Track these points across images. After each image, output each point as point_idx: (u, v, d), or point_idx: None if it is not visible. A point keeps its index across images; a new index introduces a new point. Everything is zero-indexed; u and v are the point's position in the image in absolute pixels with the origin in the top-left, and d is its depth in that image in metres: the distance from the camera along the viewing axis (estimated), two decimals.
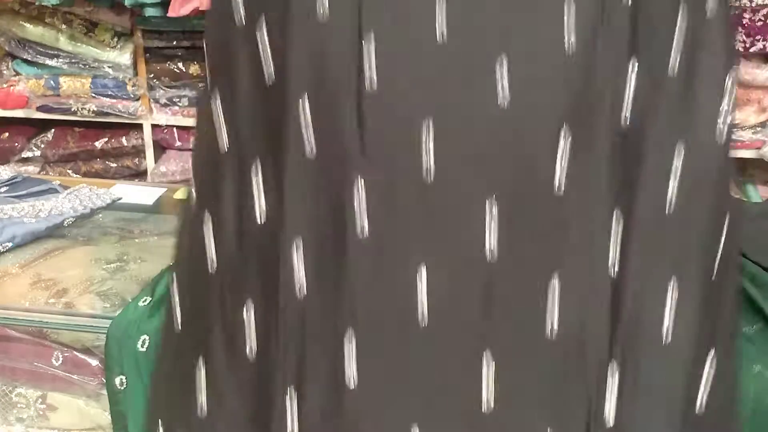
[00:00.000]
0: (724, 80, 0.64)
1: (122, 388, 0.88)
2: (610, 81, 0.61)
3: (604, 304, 0.64)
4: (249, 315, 0.68)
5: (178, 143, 2.45)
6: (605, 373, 0.64)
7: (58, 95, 2.38)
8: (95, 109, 2.39)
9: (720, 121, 0.64)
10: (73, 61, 2.33)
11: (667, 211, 0.64)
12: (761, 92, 2.08)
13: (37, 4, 2.15)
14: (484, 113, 0.59)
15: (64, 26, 2.28)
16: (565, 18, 0.58)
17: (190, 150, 2.44)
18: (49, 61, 2.34)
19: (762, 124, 2.14)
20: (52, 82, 2.35)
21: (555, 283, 0.63)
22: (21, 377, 1.02)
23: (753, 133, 2.15)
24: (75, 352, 0.99)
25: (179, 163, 2.44)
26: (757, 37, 1.86)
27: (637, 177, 0.64)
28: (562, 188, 0.61)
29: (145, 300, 0.92)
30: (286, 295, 0.65)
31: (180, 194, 1.37)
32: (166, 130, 2.44)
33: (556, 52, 0.58)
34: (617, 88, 0.61)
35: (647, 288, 0.65)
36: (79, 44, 2.30)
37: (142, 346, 0.88)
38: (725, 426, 0.72)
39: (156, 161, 2.48)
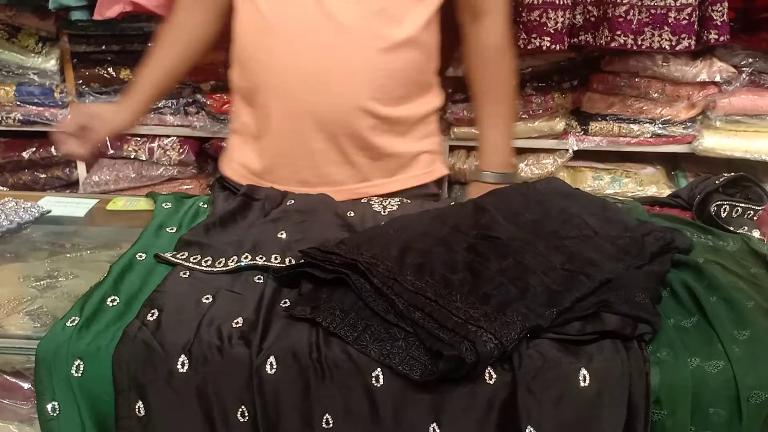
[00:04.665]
0: None
1: (55, 415, 0.84)
2: None
3: None
4: None
5: (111, 151, 2.38)
6: None
7: None
8: (21, 117, 2.32)
9: None
10: None
11: None
12: (690, 88, 2.14)
13: None
14: None
15: None
16: None
17: (123, 158, 2.39)
18: None
19: (692, 120, 2.21)
20: None
21: None
22: None
23: (684, 128, 2.21)
24: (5, 376, 0.95)
25: (112, 172, 2.38)
26: (683, 35, 1.91)
27: None
28: None
29: (74, 320, 0.88)
30: None
31: (113, 205, 1.32)
32: None
33: None
34: None
35: None
36: (1, 50, 2.22)
37: (76, 372, 0.84)
38: None
39: (88, 170, 2.42)
